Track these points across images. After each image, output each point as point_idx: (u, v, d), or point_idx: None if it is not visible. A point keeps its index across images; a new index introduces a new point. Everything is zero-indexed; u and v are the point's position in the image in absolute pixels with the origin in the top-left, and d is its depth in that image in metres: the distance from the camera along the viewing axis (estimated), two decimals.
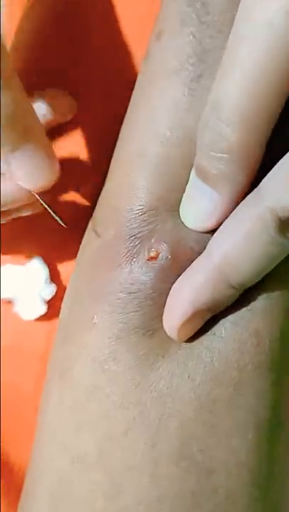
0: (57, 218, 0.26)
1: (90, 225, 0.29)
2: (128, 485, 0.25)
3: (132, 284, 0.25)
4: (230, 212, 0.23)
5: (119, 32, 0.30)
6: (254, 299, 0.24)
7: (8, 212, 0.29)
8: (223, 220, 0.24)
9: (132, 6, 0.30)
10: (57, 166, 0.25)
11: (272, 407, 0.25)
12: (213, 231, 0.24)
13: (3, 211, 0.28)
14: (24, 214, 0.30)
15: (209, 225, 0.24)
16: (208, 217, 0.24)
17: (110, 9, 0.30)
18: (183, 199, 0.25)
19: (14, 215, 0.30)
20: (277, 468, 0.26)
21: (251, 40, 0.20)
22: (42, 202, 0.25)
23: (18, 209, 0.29)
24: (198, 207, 0.24)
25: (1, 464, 0.32)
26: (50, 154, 0.25)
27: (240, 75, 0.21)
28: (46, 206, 0.26)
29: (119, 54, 0.31)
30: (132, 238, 0.26)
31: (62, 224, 0.25)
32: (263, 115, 0.21)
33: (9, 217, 0.30)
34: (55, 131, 0.31)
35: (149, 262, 0.25)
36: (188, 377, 0.24)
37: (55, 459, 0.26)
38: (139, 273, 0.25)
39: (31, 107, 0.24)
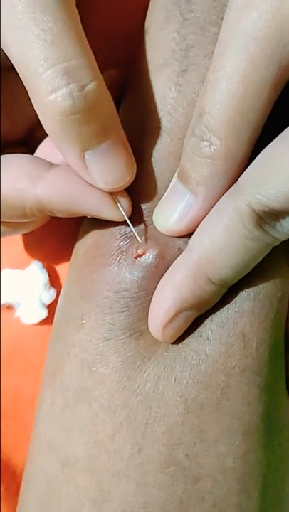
0: (133, 230, 0.25)
1: (83, 227, 0.29)
2: (115, 492, 0.24)
3: (118, 282, 0.25)
4: (203, 218, 0.23)
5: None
6: (241, 300, 0.24)
7: (20, 224, 0.29)
8: (195, 226, 0.23)
9: None
10: (134, 166, 0.25)
11: (261, 413, 0.24)
12: None
13: (7, 223, 0.29)
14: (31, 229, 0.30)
15: (177, 228, 0.24)
16: (178, 221, 0.24)
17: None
18: (160, 201, 0.25)
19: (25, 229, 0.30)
20: (272, 477, 0.25)
21: (235, 51, 0.21)
22: (121, 209, 0.25)
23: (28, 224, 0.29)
24: (172, 210, 0.24)
25: (2, 469, 0.32)
26: (127, 153, 0.24)
27: (226, 84, 0.21)
28: (125, 215, 0.25)
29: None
30: (122, 237, 0.26)
31: (139, 238, 0.25)
32: (247, 124, 0.21)
33: (20, 231, 0.30)
34: None
35: (136, 260, 0.25)
36: (175, 380, 0.24)
37: (45, 464, 0.26)
38: (126, 272, 0.25)
39: (112, 102, 0.24)
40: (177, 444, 0.24)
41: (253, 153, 0.22)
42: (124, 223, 0.25)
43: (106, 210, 0.25)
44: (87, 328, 0.26)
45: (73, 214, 0.26)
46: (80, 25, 0.23)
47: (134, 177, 0.25)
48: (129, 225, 0.25)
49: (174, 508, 0.24)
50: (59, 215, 0.26)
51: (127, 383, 0.24)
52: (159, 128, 0.25)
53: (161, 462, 0.24)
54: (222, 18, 0.22)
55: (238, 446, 0.24)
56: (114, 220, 0.25)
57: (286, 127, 0.22)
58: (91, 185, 0.24)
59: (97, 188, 0.24)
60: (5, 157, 0.26)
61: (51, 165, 0.26)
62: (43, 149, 0.29)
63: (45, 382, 0.28)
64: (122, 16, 0.25)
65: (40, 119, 0.23)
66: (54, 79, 0.22)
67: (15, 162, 0.26)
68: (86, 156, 0.23)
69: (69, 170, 0.25)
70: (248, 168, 0.22)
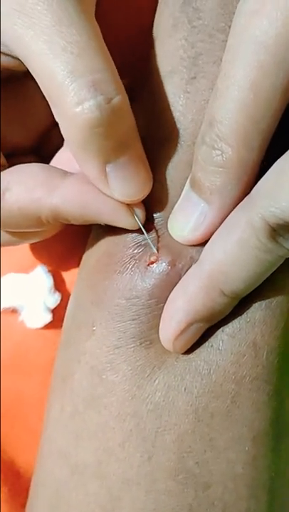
0: (148, 239, 0.25)
1: (93, 232, 0.29)
2: (125, 498, 0.24)
3: (130, 289, 0.25)
4: (218, 227, 0.23)
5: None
6: (252, 310, 0.24)
7: (24, 234, 0.29)
8: (210, 234, 0.23)
9: None
10: (151, 179, 0.25)
11: (270, 419, 0.24)
12: None
13: (20, 233, 0.29)
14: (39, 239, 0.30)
15: (193, 237, 0.24)
16: (194, 230, 0.24)
17: None
18: (174, 209, 0.25)
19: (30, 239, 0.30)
20: (280, 481, 0.25)
21: (245, 59, 0.20)
22: (137, 220, 0.25)
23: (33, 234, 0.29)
24: (187, 218, 0.24)
25: (4, 470, 0.32)
26: (146, 166, 0.25)
27: (236, 92, 0.21)
28: (140, 224, 0.25)
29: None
30: (136, 245, 0.26)
31: (154, 248, 0.25)
32: (258, 131, 0.21)
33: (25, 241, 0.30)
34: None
35: (148, 267, 0.25)
36: (185, 390, 0.24)
37: (55, 469, 0.26)
38: (138, 279, 0.25)
39: (133, 116, 0.24)
40: (187, 452, 0.24)
41: (263, 160, 0.22)
42: (137, 231, 0.25)
43: (122, 219, 0.25)
44: (97, 336, 0.26)
45: (88, 222, 0.26)
46: (102, 39, 0.23)
47: (150, 190, 0.25)
48: (144, 233, 0.25)
49: None
50: (74, 223, 0.26)
51: (137, 392, 0.25)
52: (169, 135, 0.25)
53: (171, 470, 0.24)
54: (230, 26, 0.22)
55: (248, 452, 0.24)
56: (129, 228, 0.25)
57: None
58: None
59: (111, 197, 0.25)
60: (18, 167, 0.26)
61: (65, 173, 0.26)
62: (60, 157, 0.29)
63: (55, 388, 0.28)
64: (127, 25, 0.25)
65: (62, 129, 0.23)
66: (81, 91, 0.22)
67: (29, 172, 0.26)
68: (107, 169, 0.24)
69: (84, 178, 0.25)
70: (261, 180, 0.22)
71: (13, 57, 0.24)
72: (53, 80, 0.22)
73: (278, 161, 0.21)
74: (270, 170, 0.21)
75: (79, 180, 0.25)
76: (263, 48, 0.20)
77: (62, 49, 0.22)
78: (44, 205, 0.25)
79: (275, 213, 0.20)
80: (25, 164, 0.26)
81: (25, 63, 0.23)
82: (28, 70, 0.23)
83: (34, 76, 0.23)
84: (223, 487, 0.24)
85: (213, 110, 0.22)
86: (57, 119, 0.23)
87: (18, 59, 0.23)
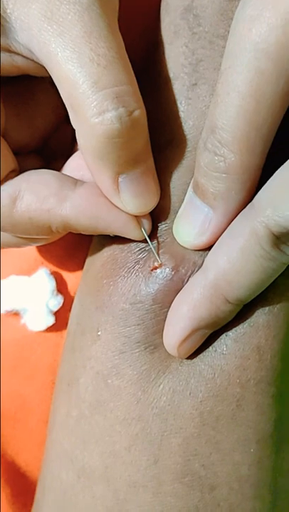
0: (153, 250, 0.25)
1: (97, 237, 0.29)
2: (132, 501, 0.25)
3: (134, 295, 0.25)
4: (224, 230, 0.23)
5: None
6: (256, 315, 0.24)
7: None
8: (216, 239, 0.24)
9: None
10: (159, 192, 0.25)
11: (274, 421, 0.25)
12: None
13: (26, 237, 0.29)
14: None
15: (199, 243, 0.24)
16: (199, 235, 0.24)
17: None
18: (178, 215, 0.25)
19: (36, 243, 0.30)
20: (283, 481, 0.26)
21: (245, 65, 0.20)
22: (144, 233, 0.25)
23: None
24: (192, 224, 0.24)
25: (6, 471, 0.32)
26: (156, 180, 0.25)
27: (237, 99, 0.21)
28: (146, 236, 0.25)
29: None
30: (140, 251, 0.26)
31: (158, 259, 0.25)
32: (260, 137, 0.21)
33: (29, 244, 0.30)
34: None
35: (152, 273, 0.25)
36: (190, 394, 0.24)
37: (61, 473, 0.27)
38: (142, 284, 0.25)
39: (148, 132, 0.24)
40: (193, 455, 0.24)
41: (268, 169, 0.22)
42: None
43: (131, 231, 0.25)
44: (102, 340, 0.26)
45: (97, 233, 0.26)
46: (126, 53, 0.23)
47: (157, 202, 0.25)
48: (149, 244, 0.26)
49: None
50: (83, 233, 0.26)
51: (142, 396, 0.25)
52: (170, 141, 0.25)
53: (178, 472, 0.24)
54: None
55: (253, 454, 0.24)
56: (135, 239, 0.26)
57: None
58: (115, 206, 0.25)
59: (121, 210, 0.25)
60: (29, 174, 0.26)
61: (76, 182, 0.26)
62: (70, 164, 0.29)
63: (60, 392, 0.28)
64: (127, 31, 0.25)
65: (79, 136, 0.24)
66: (104, 101, 0.22)
67: (41, 180, 0.26)
68: (120, 180, 0.24)
69: (94, 189, 0.25)
70: (263, 188, 0.22)
71: (33, 61, 0.24)
72: (77, 88, 0.22)
73: (280, 168, 0.21)
74: (272, 178, 0.21)
75: (90, 191, 0.25)
76: (263, 54, 0.20)
77: (90, 59, 0.22)
78: (55, 216, 0.25)
79: (279, 222, 0.20)
80: (36, 171, 0.27)
81: (48, 68, 0.23)
82: (42, 75, 0.24)
83: (56, 82, 0.23)
84: (228, 488, 0.24)
85: (214, 116, 0.22)
86: (75, 126, 0.24)
87: (39, 64, 0.24)
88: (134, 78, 0.23)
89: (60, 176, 0.26)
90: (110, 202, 0.25)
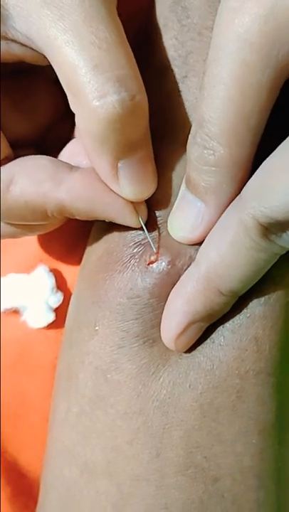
0: (149, 238, 0.25)
1: (94, 232, 0.29)
2: (135, 495, 0.25)
3: (131, 289, 0.25)
4: None
5: None
6: (252, 306, 0.24)
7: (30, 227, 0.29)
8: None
9: None
10: (156, 180, 0.25)
11: (276, 411, 0.25)
12: None
13: (23, 225, 0.29)
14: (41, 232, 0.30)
15: (194, 237, 0.24)
16: (193, 229, 0.24)
17: None
18: (172, 210, 0.25)
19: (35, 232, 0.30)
20: (286, 471, 0.26)
21: (229, 56, 0.20)
22: (142, 224, 0.25)
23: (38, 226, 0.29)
24: (185, 218, 0.24)
25: (7, 470, 0.32)
26: (153, 166, 0.25)
27: (223, 91, 0.21)
28: (142, 223, 0.25)
29: None
30: (136, 244, 0.26)
31: (153, 246, 0.25)
32: (248, 128, 0.21)
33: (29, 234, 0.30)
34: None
35: (148, 267, 0.25)
36: (190, 386, 0.24)
37: (64, 469, 0.27)
38: (139, 278, 0.25)
39: (148, 118, 0.24)
40: (195, 447, 0.24)
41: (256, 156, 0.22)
42: (137, 230, 0.26)
43: (126, 217, 0.25)
44: (100, 335, 0.26)
45: (92, 218, 0.26)
46: (127, 40, 0.23)
47: (155, 190, 0.25)
48: (144, 232, 0.25)
49: (195, 507, 0.24)
50: (78, 218, 0.26)
51: (143, 390, 0.25)
52: (162, 135, 0.25)
53: (180, 465, 0.24)
54: None
55: (255, 444, 0.24)
56: (132, 226, 0.26)
57: (285, 127, 0.22)
58: (112, 190, 0.25)
59: (118, 195, 0.25)
60: (23, 159, 0.26)
61: (71, 167, 0.26)
62: (65, 152, 0.29)
63: (60, 388, 0.28)
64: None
65: (78, 120, 0.23)
66: (105, 84, 0.22)
67: (36, 164, 0.26)
68: (119, 165, 0.24)
69: (90, 173, 0.25)
70: (250, 180, 0.22)
71: (31, 48, 0.24)
72: (77, 72, 0.22)
73: (266, 160, 0.21)
74: (259, 169, 0.21)
75: (86, 175, 0.25)
76: (247, 45, 0.20)
77: (90, 43, 0.22)
78: (50, 199, 0.25)
79: (265, 213, 0.20)
80: (30, 156, 0.27)
81: (47, 54, 0.23)
82: (36, 64, 0.24)
83: (55, 67, 0.23)
84: (231, 479, 0.24)
85: (201, 110, 0.22)
86: (74, 110, 0.23)
87: (36, 51, 0.24)
88: (136, 63, 0.23)
89: (55, 161, 0.26)
90: (107, 186, 0.25)
